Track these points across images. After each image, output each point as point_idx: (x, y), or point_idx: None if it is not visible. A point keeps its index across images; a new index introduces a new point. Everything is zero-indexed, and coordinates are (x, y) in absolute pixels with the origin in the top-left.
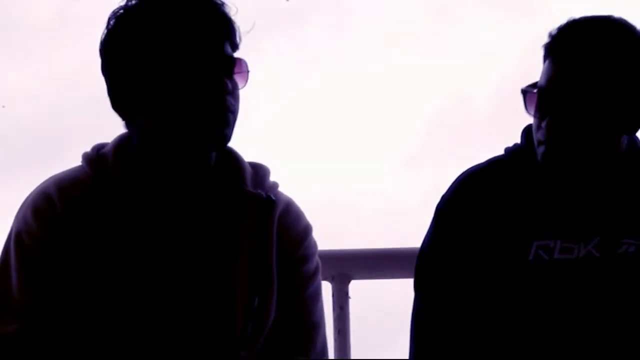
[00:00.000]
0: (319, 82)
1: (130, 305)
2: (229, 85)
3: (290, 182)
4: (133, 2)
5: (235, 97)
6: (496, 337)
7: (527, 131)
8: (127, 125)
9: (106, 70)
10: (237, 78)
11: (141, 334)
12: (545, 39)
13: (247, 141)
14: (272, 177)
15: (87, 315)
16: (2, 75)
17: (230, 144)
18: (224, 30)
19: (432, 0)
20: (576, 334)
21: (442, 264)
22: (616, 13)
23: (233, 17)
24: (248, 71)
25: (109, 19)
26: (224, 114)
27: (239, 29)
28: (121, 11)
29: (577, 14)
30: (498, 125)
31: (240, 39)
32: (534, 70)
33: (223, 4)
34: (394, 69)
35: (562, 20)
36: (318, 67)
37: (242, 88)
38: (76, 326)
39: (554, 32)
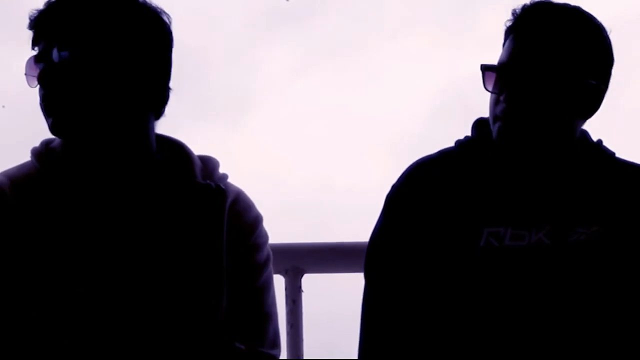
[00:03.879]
0: (321, 76)
1: (79, 294)
2: None
3: (281, 173)
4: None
5: None
6: (446, 324)
7: (477, 124)
8: None
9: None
10: None
11: (88, 326)
12: None
13: (255, 134)
14: (272, 169)
15: (31, 303)
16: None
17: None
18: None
19: None
20: (526, 320)
21: (391, 251)
22: None
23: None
24: None
25: None
26: None
27: None
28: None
29: None
30: None
31: None
32: None
33: None
34: (396, 61)
35: None
36: (321, 61)
37: None
38: (22, 313)
39: (518, 11)
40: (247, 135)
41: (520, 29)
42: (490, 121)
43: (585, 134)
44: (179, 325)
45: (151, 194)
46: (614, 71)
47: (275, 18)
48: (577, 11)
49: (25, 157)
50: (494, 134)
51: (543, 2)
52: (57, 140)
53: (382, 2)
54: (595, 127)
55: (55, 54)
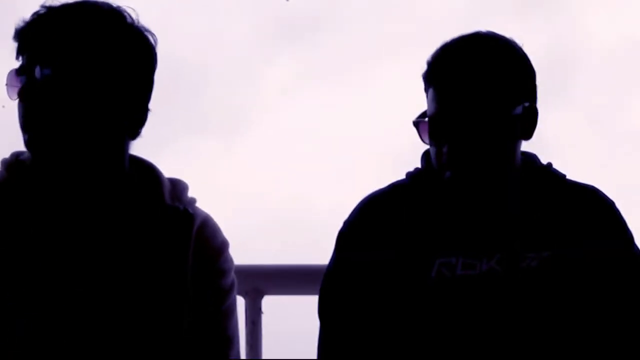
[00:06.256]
0: (319, 93)
1: (35, 313)
2: None
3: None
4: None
5: None
6: (401, 358)
7: (426, 155)
8: None
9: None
10: None
11: (42, 346)
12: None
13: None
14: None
15: None
16: None
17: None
18: None
19: (431, 9)
20: (481, 349)
21: (344, 290)
22: None
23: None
24: None
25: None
26: None
27: None
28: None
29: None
30: None
31: None
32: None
33: None
34: (393, 79)
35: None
36: (320, 78)
37: None
38: None
39: (429, 61)
40: (241, 151)
41: (439, 78)
42: (437, 168)
43: (533, 158)
44: (137, 347)
45: (118, 213)
46: (626, 91)
47: (275, 35)
48: (488, 39)
49: None
50: (445, 180)
51: (453, 42)
52: (28, 152)
53: (382, 20)
54: (604, 147)
55: (37, 71)
